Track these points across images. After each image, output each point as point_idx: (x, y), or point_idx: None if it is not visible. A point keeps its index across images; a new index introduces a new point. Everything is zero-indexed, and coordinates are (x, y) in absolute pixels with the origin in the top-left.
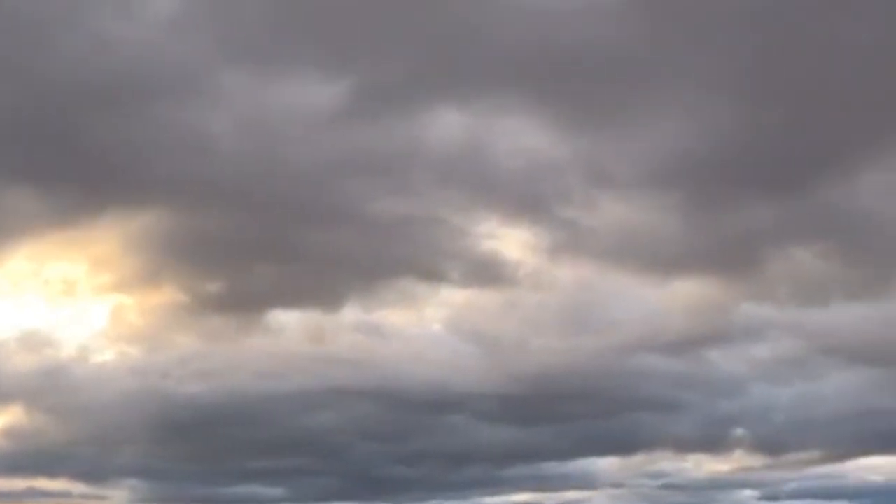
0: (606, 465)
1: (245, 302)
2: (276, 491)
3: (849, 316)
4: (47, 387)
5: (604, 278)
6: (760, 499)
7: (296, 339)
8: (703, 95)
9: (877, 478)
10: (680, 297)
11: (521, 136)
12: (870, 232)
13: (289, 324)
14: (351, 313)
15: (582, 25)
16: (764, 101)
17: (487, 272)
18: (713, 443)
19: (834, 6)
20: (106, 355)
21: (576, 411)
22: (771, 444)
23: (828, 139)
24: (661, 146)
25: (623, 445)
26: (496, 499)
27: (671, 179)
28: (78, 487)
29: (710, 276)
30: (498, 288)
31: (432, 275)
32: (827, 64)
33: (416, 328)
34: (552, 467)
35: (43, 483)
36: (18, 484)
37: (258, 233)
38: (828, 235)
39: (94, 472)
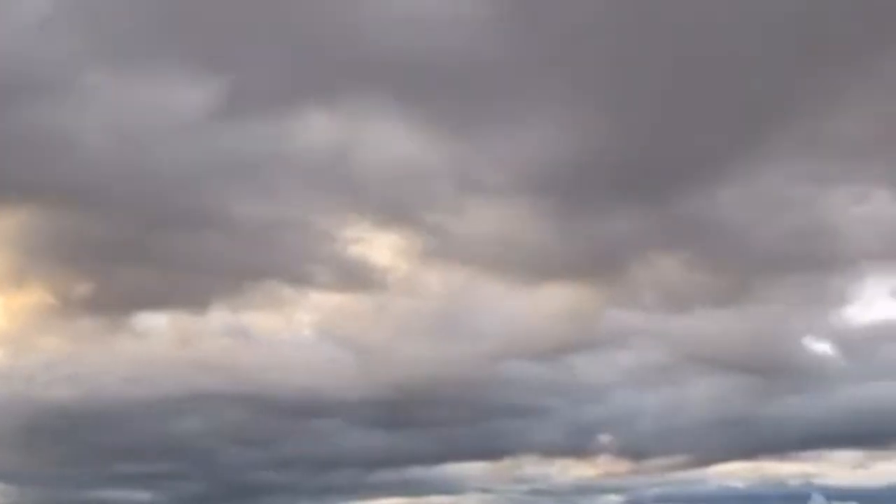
0: (474, 470)
1: (111, 304)
2: (143, 495)
3: (712, 323)
4: None
5: (472, 284)
6: None
7: (162, 343)
8: (570, 104)
9: (738, 484)
10: (547, 303)
11: (390, 140)
12: (732, 241)
13: (155, 327)
14: (218, 317)
15: (451, 32)
16: (630, 111)
17: (356, 277)
18: (579, 448)
19: (697, 20)
20: None
21: (444, 417)
22: (635, 450)
23: (691, 150)
24: (530, 153)
25: (490, 451)
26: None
27: (539, 187)
28: None
29: (577, 283)
30: (367, 293)
31: (300, 279)
32: (690, 77)
33: (285, 332)
34: (420, 472)
35: None
36: None
37: (125, 234)
38: (692, 244)
39: None
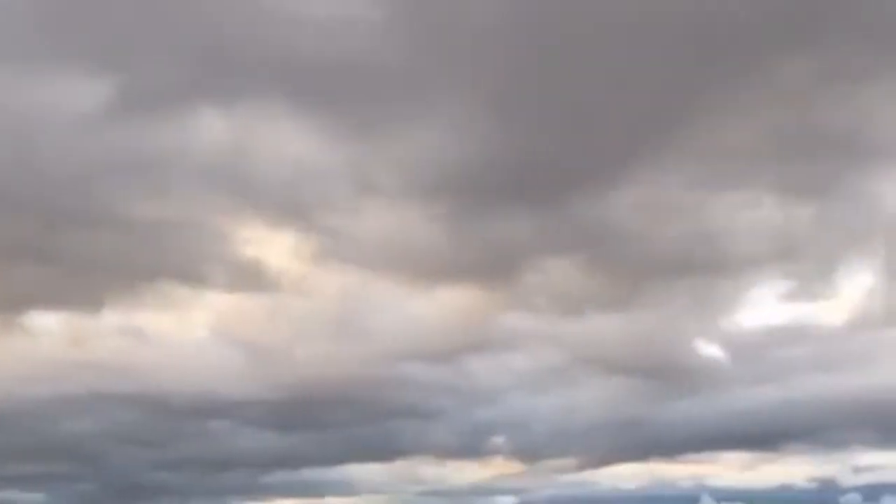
0: (368, 471)
1: (4, 303)
2: (35, 496)
3: (605, 326)
4: None
5: (367, 286)
6: None
7: (55, 342)
8: (466, 108)
9: (630, 485)
10: (442, 306)
11: (286, 142)
12: (624, 245)
13: (48, 326)
14: (111, 316)
15: (347, 34)
16: (524, 116)
17: (251, 277)
18: (473, 450)
19: (594, 27)
20: None
21: (339, 418)
22: (528, 452)
23: (585, 155)
24: (425, 156)
25: (385, 452)
26: None
27: (435, 189)
28: None
29: (472, 286)
30: (262, 293)
31: (194, 279)
32: (585, 83)
33: (179, 333)
34: (315, 473)
35: None
36: None
37: (17, 233)
38: (585, 248)
39: None
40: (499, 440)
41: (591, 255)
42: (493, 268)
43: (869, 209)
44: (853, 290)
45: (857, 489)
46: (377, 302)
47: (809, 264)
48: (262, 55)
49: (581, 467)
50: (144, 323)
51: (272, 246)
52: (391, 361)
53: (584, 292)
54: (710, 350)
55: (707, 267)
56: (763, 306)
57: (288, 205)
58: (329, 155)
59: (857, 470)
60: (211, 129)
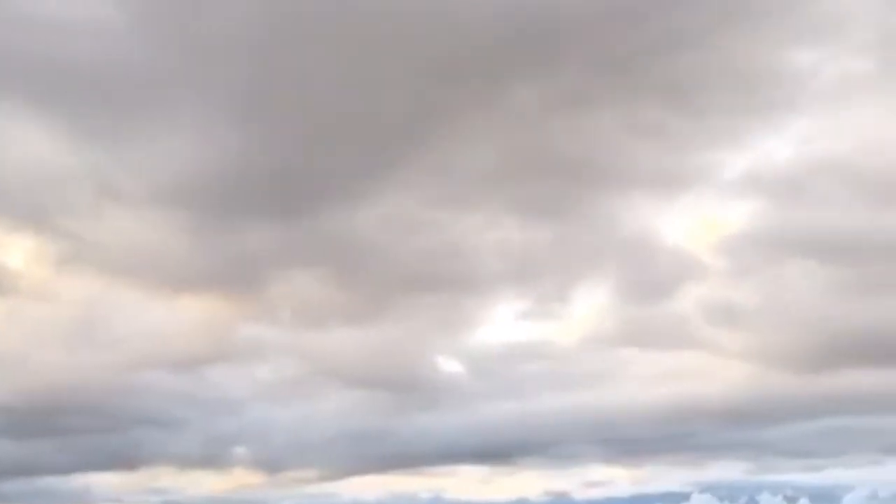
0: (107, 480)
1: None
2: None
3: (347, 339)
4: None
5: (109, 293)
6: None
7: None
8: (211, 117)
9: (369, 497)
10: (184, 315)
11: (26, 144)
12: (368, 259)
13: None
14: None
15: (91, 37)
16: (270, 128)
17: None
18: (214, 460)
19: (339, 45)
20: None
21: (77, 426)
22: (270, 463)
23: (330, 169)
24: (170, 164)
25: (125, 461)
26: None
27: (179, 198)
28: None
29: (214, 296)
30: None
31: None
32: (332, 98)
33: None
34: (51, 482)
35: None
36: None
37: None
38: (328, 261)
39: None
40: (240, 451)
41: (335, 269)
42: (237, 278)
43: (602, 231)
44: (587, 309)
45: (588, 503)
46: (119, 309)
47: (546, 284)
48: (1, 56)
49: (322, 479)
50: None
51: (11, 249)
52: (132, 369)
53: (327, 305)
54: (450, 365)
55: (448, 284)
56: (502, 324)
57: (28, 208)
58: (70, 159)
59: (588, 484)
60: None
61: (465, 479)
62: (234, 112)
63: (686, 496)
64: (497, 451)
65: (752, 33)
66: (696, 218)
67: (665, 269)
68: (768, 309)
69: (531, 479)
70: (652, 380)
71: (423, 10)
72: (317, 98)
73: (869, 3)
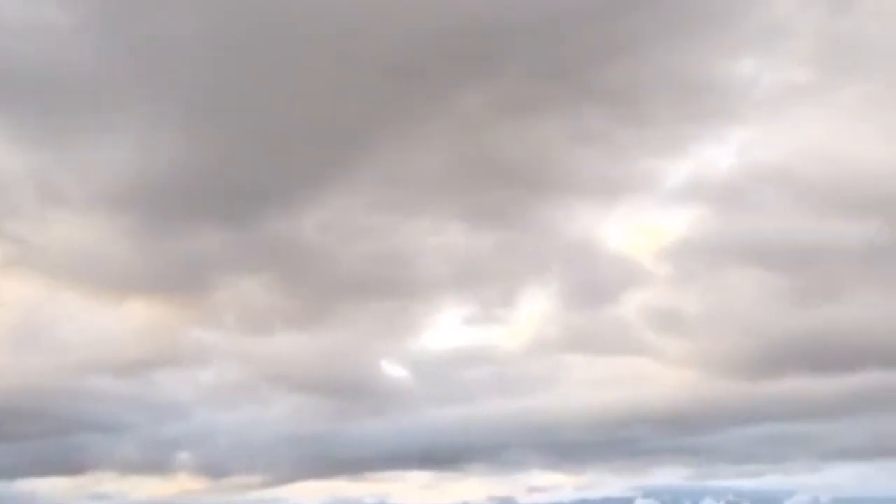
0: (52, 484)
1: None
2: None
3: (293, 345)
4: None
5: (54, 297)
6: None
7: None
8: (157, 122)
9: (314, 502)
10: (129, 319)
11: None
12: (314, 265)
13: None
14: None
15: (35, 40)
16: (216, 132)
17: None
18: (158, 465)
19: (287, 50)
20: None
21: (21, 430)
22: (214, 468)
23: (276, 174)
24: (114, 169)
25: (69, 465)
26: None
27: (124, 202)
28: None
29: (160, 301)
30: None
31: None
32: (277, 103)
33: None
34: None
35: None
36: None
37: None
38: (274, 266)
39: None
40: (184, 456)
41: (281, 274)
42: (183, 283)
43: (547, 238)
44: (531, 315)
45: None
46: (64, 313)
47: (490, 289)
48: None
49: (266, 484)
50: None
51: None
52: (77, 374)
53: (272, 310)
54: (395, 370)
55: (394, 289)
56: (447, 329)
57: None
58: (14, 161)
59: (532, 490)
60: None
61: (409, 484)
62: (179, 116)
63: (629, 501)
64: (442, 456)
65: (695, 43)
66: (640, 225)
67: (608, 275)
68: (710, 315)
69: (475, 485)
70: (595, 385)
71: (371, 18)
72: (264, 103)
73: (808, 15)
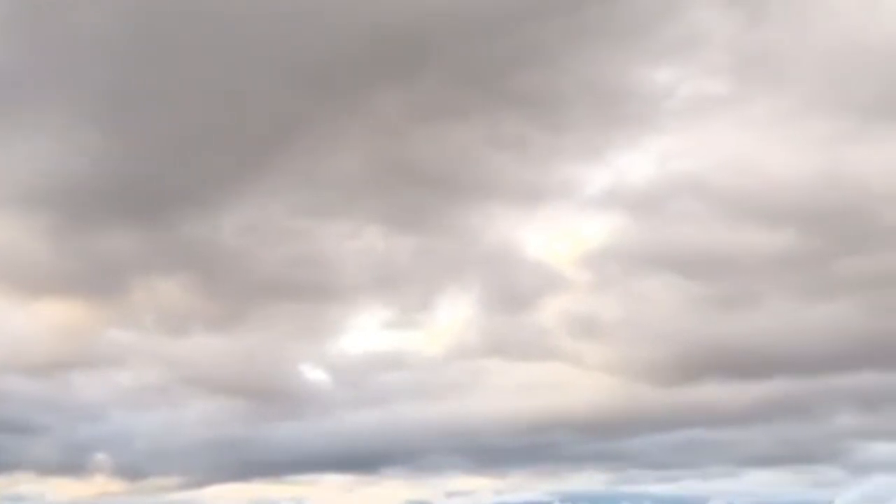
0: None
1: None
2: None
3: (210, 346)
4: None
5: None
6: None
7: None
8: (73, 121)
9: None
10: (45, 319)
11: None
12: (231, 266)
13: None
14: None
15: None
16: (132, 131)
17: None
18: (75, 467)
19: (207, 46)
20: None
21: None
22: (131, 470)
23: (194, 175)
24: (30, 166)
25: None
26: None
27: (38, 200)
28: None
29: (76, 300)
30: None
31: None
32: (196, 102)
33: None
34: None
35: None
36: None
37: None
38: (191, 267)
39: None
40: (101, 457)
41: (198, 275)
42: (98, 283)
43: (465, 243)
44: (450, 320)
45: None
46: None
47: (409, 294)
48: None
49: (183, 486)
50: None
51: None
52: None
53: (189, 311)
54: (313, 373)
55: (312, 292)
56: (365, 333)
57: None
58: None
59: (450, 494)
60: None
61: (327, 487)
62: (96, 115)
63: None
64: (360, 460)
65: (613, 51)
66: (558, 231)
67: (527, 281)
68: (628, 322)
69: (393, 489)
70: (514, 391)
71: (287, 17)
72: (181, 103)
73: (724, 25)
